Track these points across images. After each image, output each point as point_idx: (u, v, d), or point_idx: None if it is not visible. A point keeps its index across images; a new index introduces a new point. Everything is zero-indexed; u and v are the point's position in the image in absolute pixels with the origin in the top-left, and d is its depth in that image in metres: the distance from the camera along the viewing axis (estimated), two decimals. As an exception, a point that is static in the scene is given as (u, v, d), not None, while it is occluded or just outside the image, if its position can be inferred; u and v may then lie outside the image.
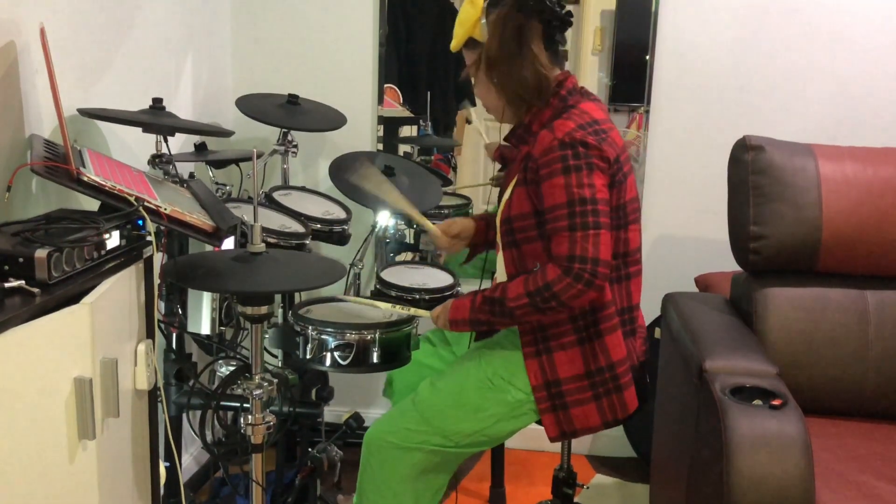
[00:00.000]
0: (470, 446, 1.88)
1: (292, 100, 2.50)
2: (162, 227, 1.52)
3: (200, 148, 2.35)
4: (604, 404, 1.80)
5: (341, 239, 2.35)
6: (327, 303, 2.08)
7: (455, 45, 1.85)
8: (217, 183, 2.37)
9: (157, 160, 1.99)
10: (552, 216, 1.70)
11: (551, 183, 1.70)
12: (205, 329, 1.95)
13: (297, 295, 2.43)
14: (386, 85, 2.84)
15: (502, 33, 1.76)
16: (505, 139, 1.90)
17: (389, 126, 2.87)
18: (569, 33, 1.86)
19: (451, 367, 1.94)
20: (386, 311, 2.00)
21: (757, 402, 1.73)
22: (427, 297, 2.17)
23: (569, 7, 1.79)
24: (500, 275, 1.92)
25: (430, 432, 1.84)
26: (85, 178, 1.43)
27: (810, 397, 2.05)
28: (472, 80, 1.87)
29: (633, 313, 1.88)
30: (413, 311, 1.94)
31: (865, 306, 2.11)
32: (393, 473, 1.87)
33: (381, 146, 2.87)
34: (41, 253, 1.22)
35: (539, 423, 1.86)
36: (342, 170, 2.36)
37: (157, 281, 1.56)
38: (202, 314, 1.94)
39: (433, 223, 2.04)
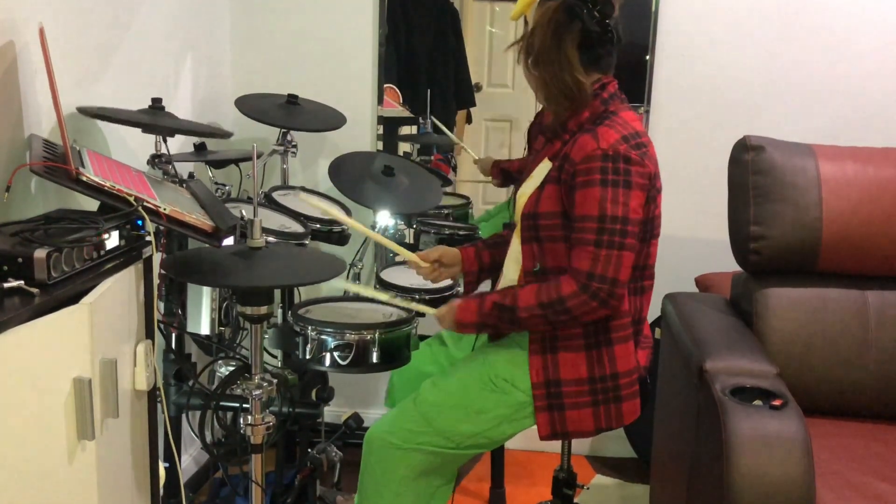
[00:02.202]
0: (471, 448, 1.87)
1: (292, 100, 2.49)
2: (161, 227, 1.52)
3: (200, 148, 2.35)
4: (600, 411, 1.80)
5: (341, 239, 2.35)
6: (327, 303, 2.08)
7: (514, 14, 1.82)
8: (216, 183, 2.37)
9: (157, 160, 1.99)
10: (580, 226, 1.69)
11: (586, 192, 1.68)
12: (204, 329, 1.95)
13: (296, 294, 2.42)
14: (386, 85, 2.84)
15: (546, 27, 1.73)
16: (540, 132, 1.88)
17: (389, 126, 2.87)
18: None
19: (453, 368, 1.94)
20: (387, 304, 1.98)
21: (757, 402, 1.72)
22: (427, 297, 2.17)
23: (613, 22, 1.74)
24: (510, 268, 1.92)
25: (430, 433, 1.84)
26: (84, 178, 1.43)
27: (810, 397, 2.05)
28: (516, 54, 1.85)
29: (640, 325, 1.87)
30: (415, 306, 1.94)
31: (866, 306, 2.11)
32: (393, 473, 1.87)
33: (381, 146, 2.87)
34: (40, 253, 1.21)
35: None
36: (342, 170, 2.35)
37: (156, 281, 1.55)
38: (201, 314, 1.93)
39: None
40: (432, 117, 2.78)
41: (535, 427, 1.86)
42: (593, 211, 1.67)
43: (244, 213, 1.92)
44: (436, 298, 2.18)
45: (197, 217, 1.55)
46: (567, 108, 1.78)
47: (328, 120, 2.58)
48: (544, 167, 1.81)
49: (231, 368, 2.07)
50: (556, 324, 1.73)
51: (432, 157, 2.89)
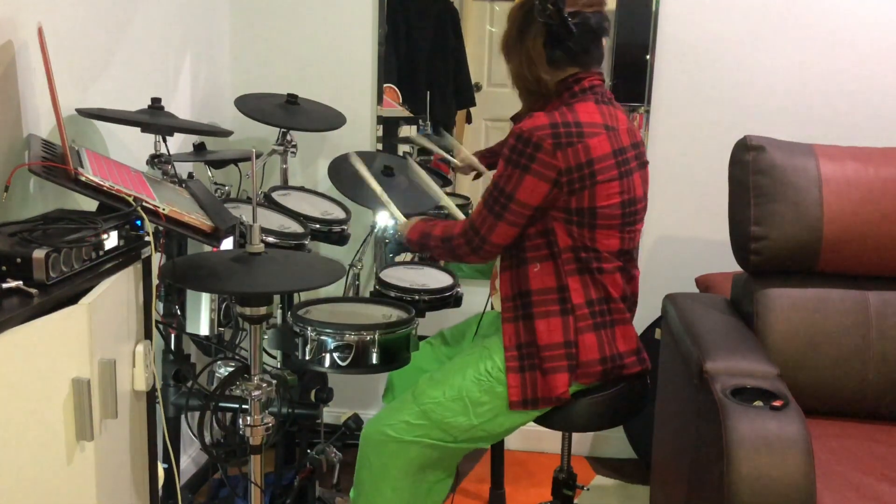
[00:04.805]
0: (468, 441, 1.87)
1: (291, 99, 2.49)
2: (160, 228, 1.52)
3: (199, 148, 2.35)
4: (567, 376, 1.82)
5: (340, 239, 2.35)
6: (326, 303, 2.07)
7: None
8: (216, 183, 2.37)
9: (156, 160, 1.99)
10: (488, 186, 1.82)
11: (500, 163, 1.79)
12: (203, 330, 1.94)
13: (296, 295, 2.42)
14: (385, 85, 2.83)
15: (511, 24, 1.83)
16: (511, 118, 1.98)
17: (389, 126, 2.86)
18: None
19: (451, 362, 1.94)
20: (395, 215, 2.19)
21: (758, 403, 1.72)
22: (427, 297, 2.17)
23: (577, 16, 1.75)
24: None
25: (428, 426, 1.84)
26: (83, 179, 1.42)
27: (811, 398, 2.04)
28: None
29: (609, 305, 1.84)
30: (394, 210, 2.19)
31: (866, 307, 2.11)
32: (391, 467, 1.87)
33: (380, 146, 2.87)
34: (39, 253, 1.21)
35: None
36: (341, 170, 2.35)
37: (155, 281, 1.55)
38: (201, 315, 1.93)
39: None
40: (423, 133, 2.83)
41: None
42: (495, 178, 1.78)
43: (243, 217, 1.91)
44: (436, 298, 2.18)
45: (196, 217, 1.55)
46: (532, 101, 1.86)
47: (328, 120, 2.58)
48: None
49: (230, 369, 2.07)
50: (448, 257, 2.00)
51: (431, 157, 2.89)
